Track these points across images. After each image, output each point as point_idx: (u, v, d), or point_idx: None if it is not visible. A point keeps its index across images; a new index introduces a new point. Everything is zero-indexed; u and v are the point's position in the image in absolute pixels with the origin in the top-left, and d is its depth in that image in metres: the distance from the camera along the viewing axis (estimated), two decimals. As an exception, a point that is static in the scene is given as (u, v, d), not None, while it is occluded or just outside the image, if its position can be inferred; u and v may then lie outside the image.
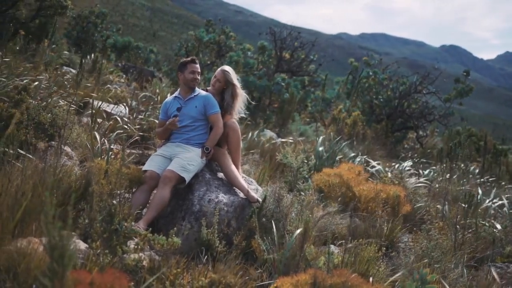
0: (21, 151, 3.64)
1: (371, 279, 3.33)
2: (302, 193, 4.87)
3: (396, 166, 7.86)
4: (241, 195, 4.15)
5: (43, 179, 2.95)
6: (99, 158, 4.03)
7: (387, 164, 8.34)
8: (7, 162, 3.17)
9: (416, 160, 10.04)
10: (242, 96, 4.61)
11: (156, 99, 8.57)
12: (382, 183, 5.77)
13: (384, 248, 3.85)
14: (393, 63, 14.99)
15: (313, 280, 2.72)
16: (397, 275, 3.58)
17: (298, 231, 3.38)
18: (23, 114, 4.05)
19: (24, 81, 4.55)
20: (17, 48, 7.83)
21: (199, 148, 4.26)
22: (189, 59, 4.47)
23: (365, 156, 7.74)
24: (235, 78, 4.58)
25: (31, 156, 3.59)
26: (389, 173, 6.81)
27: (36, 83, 5.29)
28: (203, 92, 4.49)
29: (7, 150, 3.40)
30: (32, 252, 2.25)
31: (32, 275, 2.16)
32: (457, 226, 4.65)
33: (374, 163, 7.50)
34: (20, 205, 2.50)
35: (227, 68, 4.61)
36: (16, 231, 2.49)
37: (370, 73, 14.10)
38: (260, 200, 4.01)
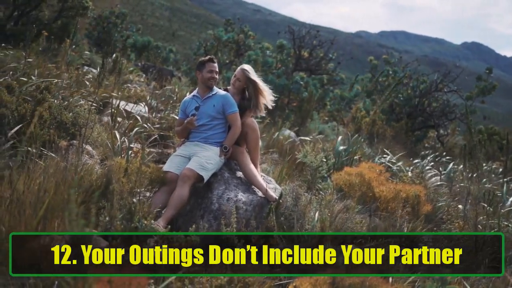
0: (44, 150, 3.70)
1: (390, 278, 3.30)
2: (321, 192, 4.85)
3: (417, 165, 7.78)
4: (260, 194, 4.15)
5: (65, 177, 2.99)
6: (119, 157, 4.08)
7: (408, 163, 8.25)
8: (30, 160, 3.23)
9: (437, 159, 9.92)
10: (267, 91, 4.60)
11: (175, 98, 8.62)
12: (402, 183, 5.71)
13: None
14: (413, 61, 14.84)
15: (332, 279, 2.71)
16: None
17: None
18: (45, 113, 4.12)
19: (45, 82, 4.62)
20: (40, 48, 7.96)
21: (217, 147, 4.28)
22: (207, 58, 4.48)
23: (387, 156, 7.66)
24: (255, 75, 4.58)
25: (53, 155, 3.65)
26: (409, 172, 6.74)
27: (58, 81, 5.37)
28: (221, 92, 4.50)
29: (30, 149, 3.46)
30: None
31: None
32: (479, 226, 4.58)
33: (392, 158, 7.42)
34: (43, 203, 2.54)
35: (246, 66, 4.61)
36: (39, 228, 2.53)
37: (390, 72, 13.98)
38: (279, 199, 4.01)
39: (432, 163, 8.12)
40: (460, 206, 5.77)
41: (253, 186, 4.25)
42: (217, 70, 4.48)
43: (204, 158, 4.06)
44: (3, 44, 7.47)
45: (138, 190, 3.59)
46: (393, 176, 6.54)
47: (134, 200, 3.33)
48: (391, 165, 7.16)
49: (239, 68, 4.63)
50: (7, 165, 3.25)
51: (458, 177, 7.37)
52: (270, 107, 4.67)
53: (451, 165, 8.07)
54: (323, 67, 15.71)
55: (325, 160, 6.14)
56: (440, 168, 8.12)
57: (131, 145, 4.68)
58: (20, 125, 3.87)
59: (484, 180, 7.26)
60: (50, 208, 2.64)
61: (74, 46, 10.28)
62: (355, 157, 6.85)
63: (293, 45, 15.01)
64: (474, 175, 6.80)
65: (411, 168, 7.43)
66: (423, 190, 5.32)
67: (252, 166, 4.32)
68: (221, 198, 3.94)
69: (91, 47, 16.43)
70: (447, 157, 10.43)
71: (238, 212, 3.76)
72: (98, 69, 6.28)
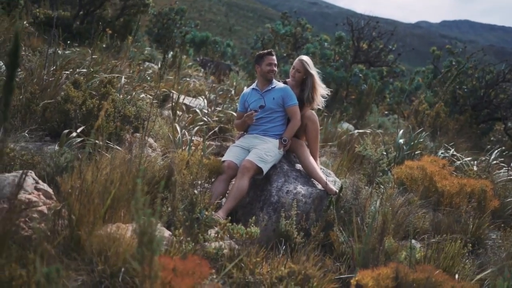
0: (109, 143, 3.84)
1: (456, 276, 3.18)
2: (381, 186, 4.74)
3: (483, 159, 7.43)
4: (319, 186, 4.11)
5: (130, 169, 3.09)
6: (181, 149, 4.16)
7: (473, 157, 7.91)
8: (97, 152, 3.36)
9: (504, 153, 9.43)
10: (321, 86, 4.54)
11: (233, 91, 8.70)
12: (467, 177, 5.48)
13: (470, 245, 3.66)
14: (478, 51, 14.16)
15: (395, 274, 2.64)
16: (485, 272, 3.40)
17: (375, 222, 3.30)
18: (110, 107, 4.26)
19: (110, 76, 4.79)
20: (104, 45, 8.26)
21: (276, 139, 4.28)
22: (265, 51, 4.48)
23: (451, 150, 7.37)
24: (313, 67, 4.53)
25: (118, 147, 3.78)
26: (474, 167, 6.45)
27: (121, 76, 5.55)
28: (281, 84, 4.49)
29: (97, 141, 3.60)
30: (120, 237, 2.37)
31: (121, 259, 2.28)
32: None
33: (456, 152, 7.13)
34: (110, 193, 2.63)
35: (305, 57, 4.56)
36: (106, 216, 2.63)
37: (453, 63, 13.45)
38: (340, 192, 3.96)
39: (502, 159, 7.72)
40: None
41: (312, 179, 4.22)
42: (276, 63, 4.47)
43: (263, 151, 4.07)
44: (70, 42, 7.82)
45: (199, 182, 3.65)
46: (457, 171, 6.29)
47: (195, 191, 3.39)
48: (455, 159, 6.89)
49: (297, 59, 4.60)
50: (76, 157, 3.40)
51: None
52: (321, 103, 4.60)
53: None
54: (383, 59, 15.32)
55: (385, 153, 6.00)
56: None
57: (192, 138, 4.77)
58: (89, 120, 4.04)
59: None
60: (116, 198, 2.73)
61: (136, 43, 10.60)
62: (416, 151, 6.64)
63: (351, 37, 14.73)
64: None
65: (477, 162, 7.11)
66: (490, 184, 5.08)
67: (311, 158, 4.29)
68: (280, 191, 3.93)
69: (152, 43, 16.89)
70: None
71: (298, 205, 3.74)
72: (159, 64, 6.44)
